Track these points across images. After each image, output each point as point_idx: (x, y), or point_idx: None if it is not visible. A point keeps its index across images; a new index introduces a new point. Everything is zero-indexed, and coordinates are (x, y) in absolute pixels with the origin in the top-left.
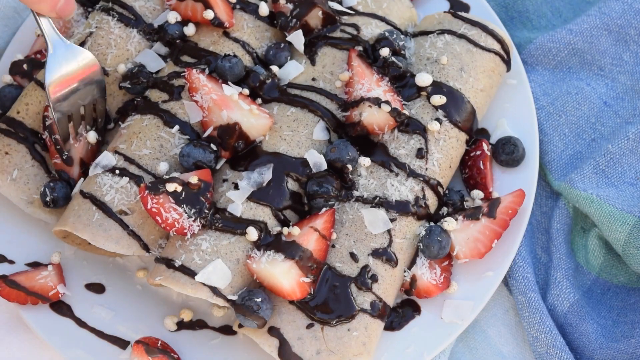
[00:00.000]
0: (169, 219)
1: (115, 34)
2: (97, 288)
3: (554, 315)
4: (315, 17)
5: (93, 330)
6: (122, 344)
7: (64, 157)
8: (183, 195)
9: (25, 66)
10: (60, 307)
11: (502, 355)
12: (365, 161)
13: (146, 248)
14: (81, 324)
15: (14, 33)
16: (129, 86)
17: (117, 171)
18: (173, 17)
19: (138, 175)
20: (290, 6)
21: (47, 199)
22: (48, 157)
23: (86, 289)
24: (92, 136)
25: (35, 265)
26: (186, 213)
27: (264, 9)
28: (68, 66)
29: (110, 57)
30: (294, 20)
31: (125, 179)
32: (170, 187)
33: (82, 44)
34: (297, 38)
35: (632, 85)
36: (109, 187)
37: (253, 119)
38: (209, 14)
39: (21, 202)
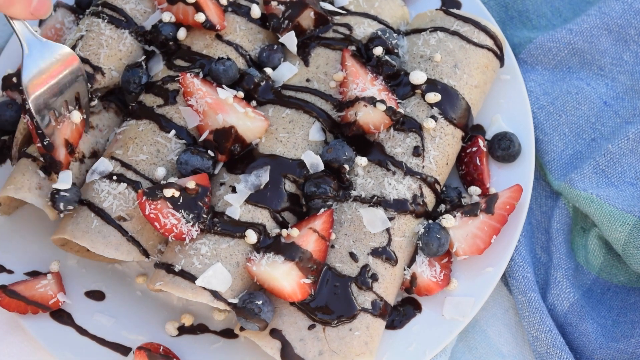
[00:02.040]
0: (167, 224)
1: (107, 35)
2: (97, 295)
3: (554, 315)
4: (307, 18)
5: (94, 337)
6: (123, 350)
7: (45, 143)
8: (181, 201)
9: (15, 79)
10: (61, 315)
11: (502, 355)
12: (362, 161)
13: (145, 254)
14: (82, 331)
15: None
16: (130, 89)
17: (115, 177)
18: (168, 16)
19: (135, 181)
20: (282, 8)
21: (56, 206)
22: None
23: (86, 296)
24: (76, 116)
25: (34, 274)
26: (184, 218)
27: (256, 11)
28: (45, 63)
29: (103, 56)
30: (286, 21)
31: (123, 185)
32: (168, 192)
33: (73, 48)
34: (289, 39)
35: (632, 85)
36: (107, 194)
37: (249, 122)
38: (200, 17)
39: (46, 207)
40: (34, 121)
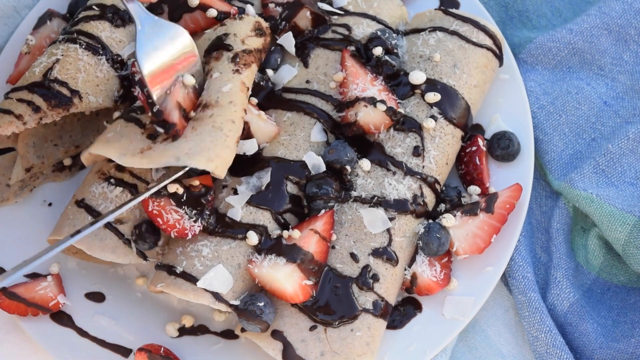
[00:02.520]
0: (170, 220)
1: (85, 60)
2: (97, 297)
3: (554, 315)
4: (304, 18)
5: (95, 339)
6: (124, 352)
7: (155, 111)
8: (184, 198)
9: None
10: (61, 317)
11: (502, 354)
12: (365, 165)
13: (143, 256)
14: (82, 333)
15: (13, 32)
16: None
17: (112, 180)
18: None
19: (132, 184)
20: (279, 9)
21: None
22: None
23: (86, 298)
24: (188, 79)
25: (34, 276)
26: (187, 214)
27: (250, 12)
28: (159, 41)
29: (81, 81)
30: (283, 22)
31: (120, 188)
32: (172, 188)
33: (49, 70)
34: (287, 40)
35: (632, 85)
36: (104, 197)
37: (262, 123)
38: (212, 12)
39: (115, 155)
40: (145, 91)
